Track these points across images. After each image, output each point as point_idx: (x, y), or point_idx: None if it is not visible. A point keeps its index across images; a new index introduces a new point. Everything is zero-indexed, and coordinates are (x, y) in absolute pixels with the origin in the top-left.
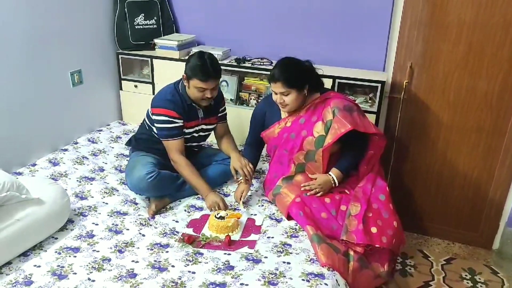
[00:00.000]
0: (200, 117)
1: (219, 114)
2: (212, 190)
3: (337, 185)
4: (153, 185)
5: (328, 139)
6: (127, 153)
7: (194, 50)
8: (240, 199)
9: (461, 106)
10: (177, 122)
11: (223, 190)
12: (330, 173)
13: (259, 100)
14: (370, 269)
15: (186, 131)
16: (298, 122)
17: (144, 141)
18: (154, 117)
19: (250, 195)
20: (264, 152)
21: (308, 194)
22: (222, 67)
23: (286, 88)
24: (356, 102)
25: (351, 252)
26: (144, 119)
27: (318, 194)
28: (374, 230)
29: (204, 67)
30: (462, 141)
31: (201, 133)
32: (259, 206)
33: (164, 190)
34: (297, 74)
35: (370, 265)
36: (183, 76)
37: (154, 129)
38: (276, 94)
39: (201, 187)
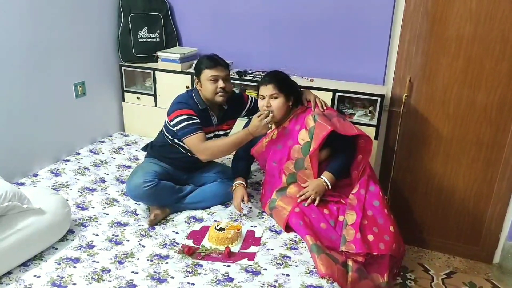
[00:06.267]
0: (214, 124)
1: (247, 109)
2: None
3: (329, 187)
4: (148, 194)
5: (312, 145)
6: (128, 164)
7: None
8: (243, 202)
9: (460, 119)
10: (196, 119)
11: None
12: (321, 176)
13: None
14: (370, 280)
15: None
16: (283, 133)
17: (158, 148)
18: (173, 123)
19: (251, 207)
20: None
21: (306, 204)
22: None
23: (276, 91)
24: (356, 115)
25: (350, 263)
26: (162, 128)
27: (316, 202)
28: (370, 238)
29: (210, 56)
30: (462, 154)
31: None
32: (259, 218)
33: (161, 200)
34: (287, 82)
35: (369, 275)
36: (195, 81)
37: (170, 138)
38: (263, 98)
39: (239, 136)
